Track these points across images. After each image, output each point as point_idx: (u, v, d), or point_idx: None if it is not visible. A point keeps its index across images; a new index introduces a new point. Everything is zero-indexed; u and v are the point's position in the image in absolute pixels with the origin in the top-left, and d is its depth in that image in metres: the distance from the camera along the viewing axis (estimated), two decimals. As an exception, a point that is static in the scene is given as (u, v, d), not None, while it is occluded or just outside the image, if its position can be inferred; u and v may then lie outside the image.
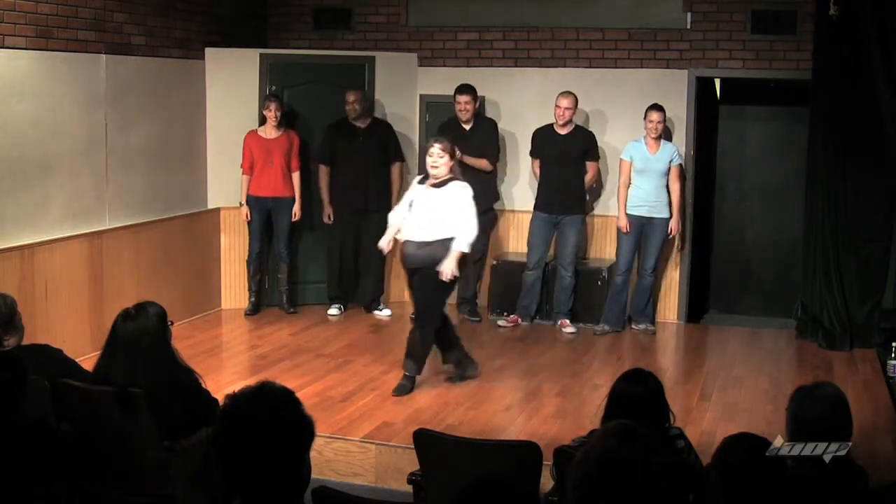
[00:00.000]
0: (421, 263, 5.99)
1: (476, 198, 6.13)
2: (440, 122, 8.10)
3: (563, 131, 7.71)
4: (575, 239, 7.75)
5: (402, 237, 6.11)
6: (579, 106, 8.07)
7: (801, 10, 7.57)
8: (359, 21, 8.68)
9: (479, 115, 7.98)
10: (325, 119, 8.04)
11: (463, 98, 7.79)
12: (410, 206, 6.07)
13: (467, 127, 7.86)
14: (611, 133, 8.06)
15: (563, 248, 7.77)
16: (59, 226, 6.48)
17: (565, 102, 7.62)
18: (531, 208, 7.87)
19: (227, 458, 2.14)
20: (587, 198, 7.92)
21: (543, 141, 7.78)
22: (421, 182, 6.12)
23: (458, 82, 7.91)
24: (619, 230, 7.66)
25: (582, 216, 7.81)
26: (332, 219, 8.03)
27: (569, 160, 7.68)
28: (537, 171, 7.88)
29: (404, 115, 8.41)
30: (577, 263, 7.85)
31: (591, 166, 7.79)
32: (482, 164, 7.89)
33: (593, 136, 7.84)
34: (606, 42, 8.11)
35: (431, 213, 5.93)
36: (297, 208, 7.93)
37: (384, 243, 6.23)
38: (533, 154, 7.90)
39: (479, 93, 8.11)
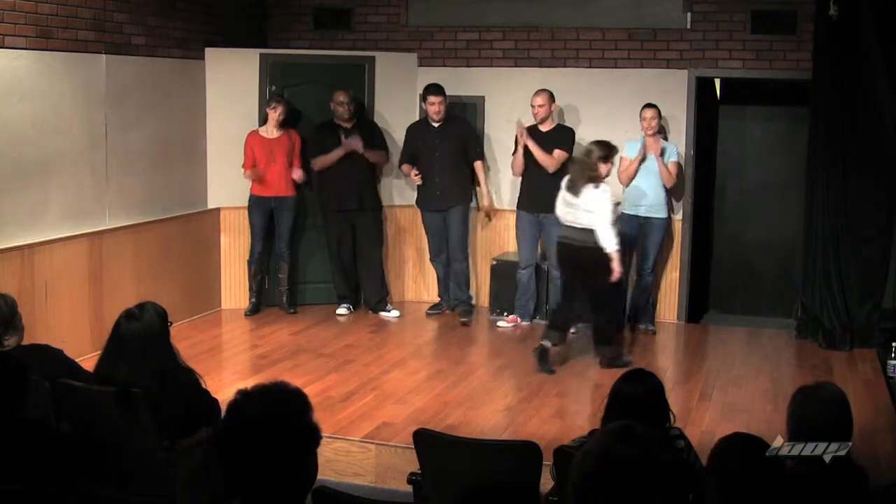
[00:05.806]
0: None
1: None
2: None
3: (544, 129, 7.69)
4: None
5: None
6: (581, 106, 8.07)
7: (801, 10, 7.56)
8: (359, 21, 8.68)
9: (450, 114, 7.94)
10: (325, 119, 8.03)
11: (437, 98, 7.76)
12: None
13: (437, 126, 7.85)
14: (611, 133, 7.98)
15: (550, 249, 7.70)
16: (59, 226, 6.48)
17: (538, 100, 7.61)
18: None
19: (229, 456, 2.12)
20: None
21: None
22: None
23: (459, 82, 7.92)
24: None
25: None
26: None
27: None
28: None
29: (404, 116, 8.39)
30: None
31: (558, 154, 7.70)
32: (479, 166, 8.02)
33: (573, 132, 7.76)
34: (606, 42, 8.10)
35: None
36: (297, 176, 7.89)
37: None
38: (514, 153, 7.86)
39: (480, 92, 8.09)
